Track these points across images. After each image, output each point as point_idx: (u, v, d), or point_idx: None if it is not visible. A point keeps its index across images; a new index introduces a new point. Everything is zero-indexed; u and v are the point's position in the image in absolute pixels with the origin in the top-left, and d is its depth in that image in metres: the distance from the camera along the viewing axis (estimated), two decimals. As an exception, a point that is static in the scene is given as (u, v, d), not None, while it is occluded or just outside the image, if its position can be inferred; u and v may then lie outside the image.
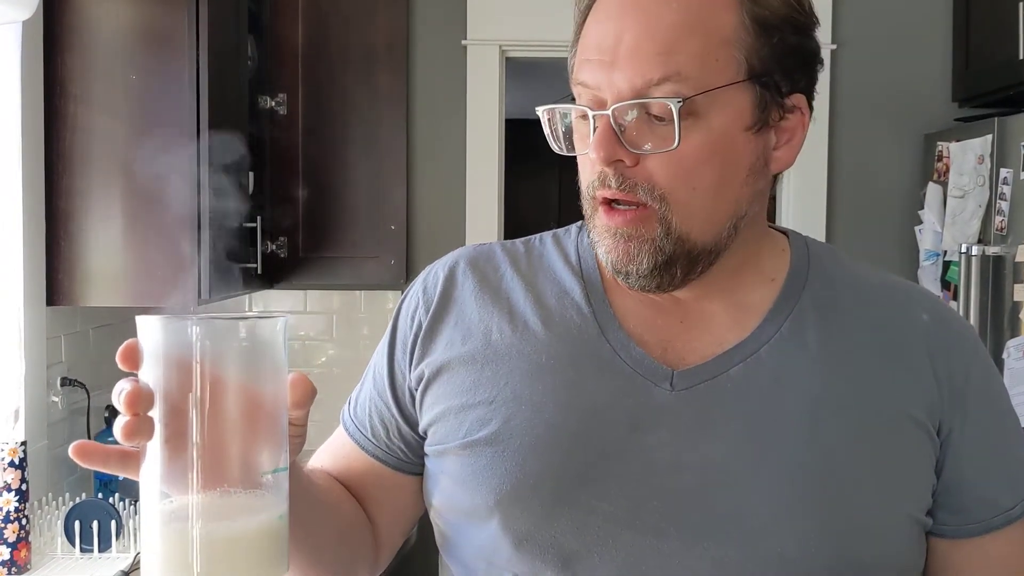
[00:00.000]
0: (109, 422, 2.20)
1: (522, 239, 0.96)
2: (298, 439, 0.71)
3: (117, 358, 0.62)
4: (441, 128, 2.86)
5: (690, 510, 0.79)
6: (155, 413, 0.61)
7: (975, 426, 0.85)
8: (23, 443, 1.76)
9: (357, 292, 2.91)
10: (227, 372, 0.61)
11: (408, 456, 0.92)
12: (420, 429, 0.90)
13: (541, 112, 0.84)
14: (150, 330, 0.62)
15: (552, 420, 0.82)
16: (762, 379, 0.82)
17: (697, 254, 0.80)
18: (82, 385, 2.15)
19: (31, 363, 1.97)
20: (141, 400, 0.60)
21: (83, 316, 2.22)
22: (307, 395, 0.66)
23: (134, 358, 0.62)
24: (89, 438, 2.20)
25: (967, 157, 2.43)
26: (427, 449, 0.89)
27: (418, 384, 0.89)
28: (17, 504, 1.71)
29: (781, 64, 0.80)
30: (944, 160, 2.59)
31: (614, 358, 0.84)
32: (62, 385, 2.10)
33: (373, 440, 0.93)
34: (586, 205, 0.83)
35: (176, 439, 0.60)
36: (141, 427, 0.61)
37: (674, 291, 0.83)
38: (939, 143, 2.63)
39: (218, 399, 0.61)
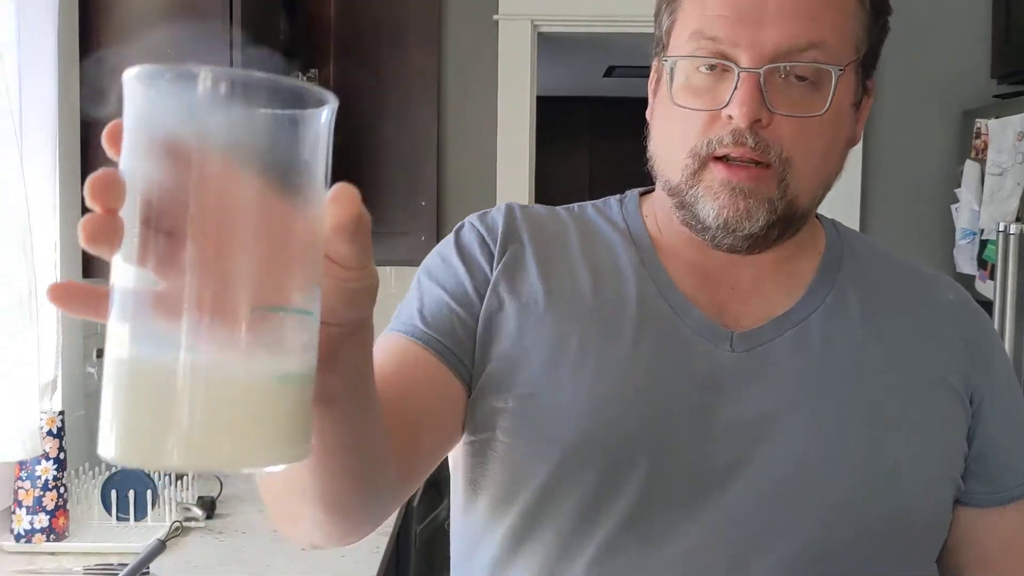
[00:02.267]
0: (144, 394, 2.22)
1: (560, 207, 0.96)
2: (359, 290, 0.48)
3: (104, 139, 0.44)
4: (472, 104, 2.85)
5: (752, 465, 0.82)
6: (131, 214, 0.42)
7: (1001, 396, 0.90)
8: (61, 413, 1.79)
9: (388, 268, 2.92)
10: (243, 158, 0.42)
11: (471, 374, 0.85)
12: (477, 359, 0.85)
13: (668, 60, 0.83)
14: (138, 88, 0.42)
15: (619, 378, 0.83)
16: (813, 343, 0.86)
17: (795, 218, 0.83)
18: (118, 357, 2.17)
19: (68, 334, 1.99)
20: (111, 188, 0.42)
21: (118, 289, 2.25)
22: (353, 218, 0.44)
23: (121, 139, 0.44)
24: (124, 409, 2.22)
25: (1006, 134, 2.39)
26: (478, 392, 0.84)
27: (487, 314, 0.86)
28: (55, 473, 1.74)
29: (876, 47, 0.85)
30: (983, 137, 2.55)
31: (674, 319, 0.86)
32: (98, 356, 2.12)
33: (454, 349, 0.84)
34: (688, 162, 0.82)
35: (157, 251, 0.42)
36: (105, 226, 0.42)
37: (752, 253, 0.85)
38: (977, 120, 2.59)
39: (224, 197, 0.42)
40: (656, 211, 0.92)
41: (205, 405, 0.42)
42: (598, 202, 0.96)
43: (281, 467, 0.45)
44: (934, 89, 2.81)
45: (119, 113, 0.43)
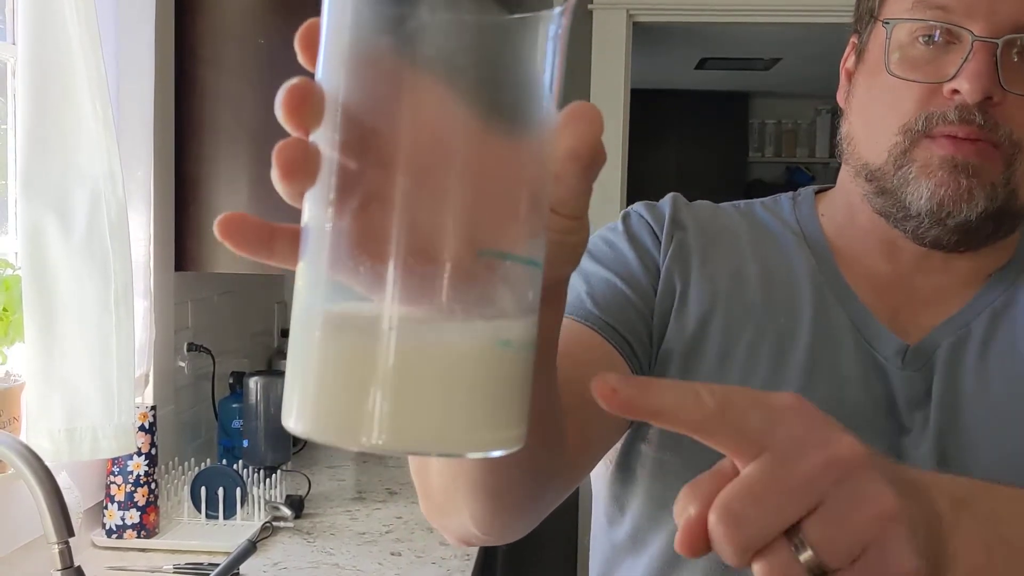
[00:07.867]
0: (234, 388, 2.21)
1: (726, 203, 0.89)
2: (577, 244, 0.43)
3: (297, 41, 0.36)
4: (565, 95, 2.77)
5: None
6: (329, 138, 0.35)
7: None
8: (153, 408, 1.77)
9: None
10: (463, 74, 0.35)
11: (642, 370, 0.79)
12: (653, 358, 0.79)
13: (887, 24, 0.74)
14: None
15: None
16: (969, 354, 0.78)
17: (1010, 216, 0.75)
18: (208, 351, 2.16)
19: (160, 328, 1.98)
20: (308, 101, 0.34)
21: (208, 282, 2.23)
22: (592, 146, 0.39)
23: (316, 43, 0.36)
24: (214, 405, 2.21)
25: None
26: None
27: (660, 307, 0.80)
28: (147, 468, 1.72)
29: None
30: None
31: (853, 332, 0.78)
32: (188, 350, 2.11)
33: (628, 338, 0.76)
34: (898, 139, 0.74)
35: (363, 185, 0.35)
36: (305, 152, 0.35)
37: (957, 251, 0.77)
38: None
39: (444, 120, 0.35)
40: (835, 211, 0.85)
41: (412, 372, 0.34)
42: (767, 200, 0.89)
43: (497, 453, 0.37)
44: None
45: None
